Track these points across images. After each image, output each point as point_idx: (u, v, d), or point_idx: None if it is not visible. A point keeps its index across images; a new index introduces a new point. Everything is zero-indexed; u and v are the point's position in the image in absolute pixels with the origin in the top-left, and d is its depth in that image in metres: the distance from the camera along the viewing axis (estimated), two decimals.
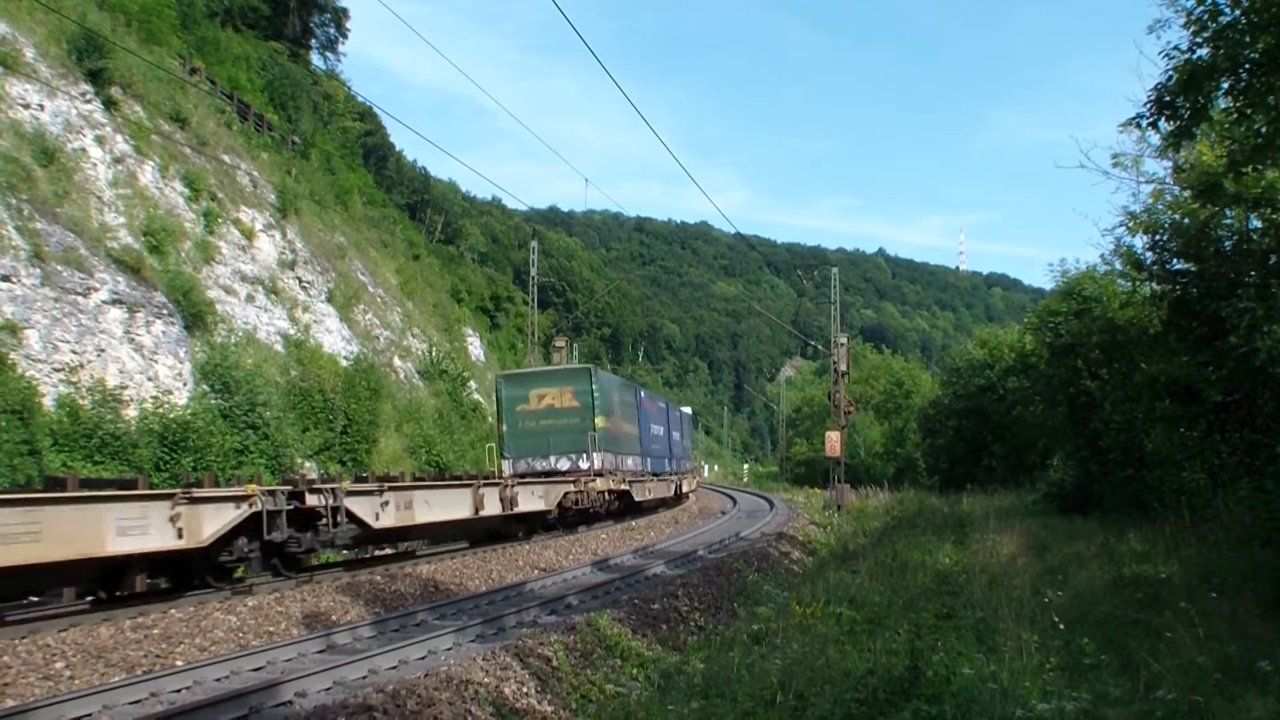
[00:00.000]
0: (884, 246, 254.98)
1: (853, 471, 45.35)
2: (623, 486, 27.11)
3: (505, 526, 21.61)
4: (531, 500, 21.51)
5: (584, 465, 25.01)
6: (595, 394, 25.46)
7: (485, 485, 19.16)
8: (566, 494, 23.22)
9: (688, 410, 51.06)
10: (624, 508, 28.49)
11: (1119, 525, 14.87)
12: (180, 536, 11.68)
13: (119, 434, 19.68)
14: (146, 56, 30.11)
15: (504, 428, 26.20)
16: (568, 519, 23.70)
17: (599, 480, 25.04)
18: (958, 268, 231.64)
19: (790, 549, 21.22)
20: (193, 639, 10.34)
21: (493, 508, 19.30)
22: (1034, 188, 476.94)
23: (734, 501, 40.30)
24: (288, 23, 55.33)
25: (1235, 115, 9.22)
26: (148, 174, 28.55)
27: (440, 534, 20.33)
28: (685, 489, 41.06)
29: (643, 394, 33.73)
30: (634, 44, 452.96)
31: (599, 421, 25.29)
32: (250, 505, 12.87)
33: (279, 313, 32.33)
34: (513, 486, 20.17)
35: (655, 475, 32.84)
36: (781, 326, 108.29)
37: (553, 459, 25.31)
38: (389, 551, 19.52)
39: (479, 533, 21.13)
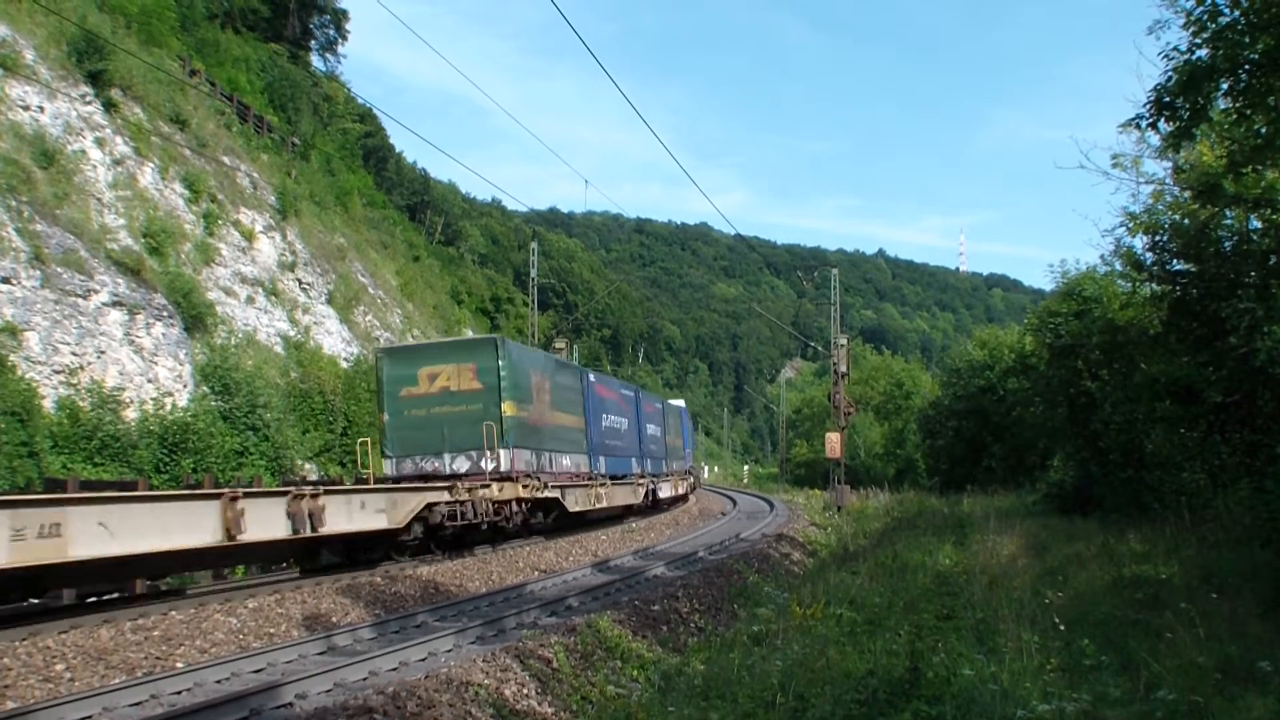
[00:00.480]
0: (884, 247, 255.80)
1: (853, 472, 45.36)
2: (548, 494, 21.22)
3: (312, 555, 15.76)
4: (357, 516, 14.96)
5: (488, 465, 19.27)
6: (503, 372, 19.74)
7: (249, 496, 12.67)
8: (432, 506, 16.96)
9: (679, 404, 46.72)
10: (557, 521, 23.09)
11: (1119, 526, 14.88)
12: None
13: (119, 436, 19.69)
14: (146, 58, 30.14)
15: (385, 417, 20.28)
16: (445, 538, 17.91)
17: (500, 486, 19.09)
18: (958, 268, 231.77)
19: (790, 550, 21.22)
20: (193, 641, 10.34)
21: (267, 529, 12.91)
22: (1034, 188, 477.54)
23: (734, 503, 40.28)
24: (287, 24, 55.35)
25: (1235, 116, 9.23)
26: (148, 176, 28.57)
27: (164, 571, 13.56)
28: (666, 494, 34.85)
29: (592, 377, 27.64)
30: (634, 45, 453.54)
31: (508, 409, 19.70)
32: None
33: (279, 314, 32.35)
34: (315, 497, 13.75)
35: (614, 478, 27.30)
36: (781, 328, 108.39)
37: (447, 458, 19.57)
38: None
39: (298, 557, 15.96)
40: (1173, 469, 15.78)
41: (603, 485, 25.73)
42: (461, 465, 19.49)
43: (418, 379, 20.12)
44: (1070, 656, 7.07)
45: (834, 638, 8.10)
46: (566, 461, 23.61)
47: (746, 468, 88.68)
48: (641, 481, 30.48)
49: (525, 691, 8.49)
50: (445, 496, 17.45)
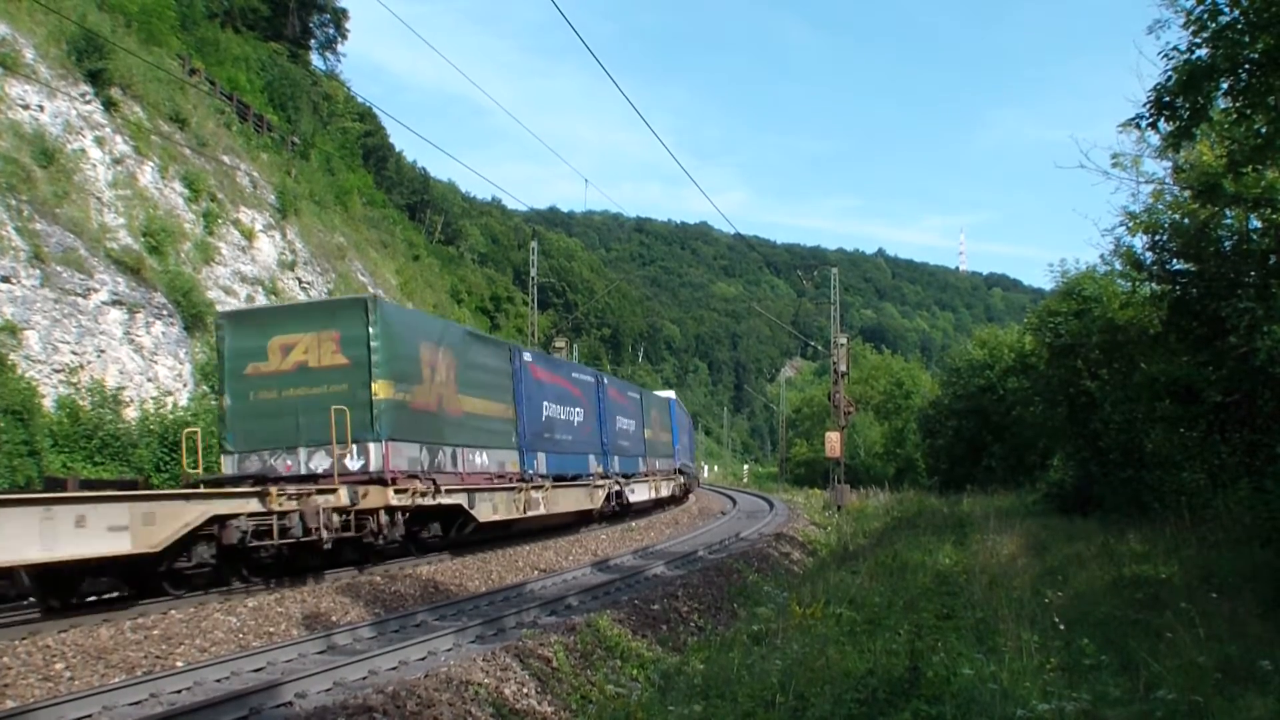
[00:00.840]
0: (884, 247, 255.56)
1: (853, 472, 45.37)
2: (445, 499, 16.81)
3: (65, 587, 11.38)
4: (65, 538, 10.25)
5: (354, 464, 15.20)
6: (375, 342, 15.43)
7: None
8: (226, 520, 12.42)
9: (668, 395, 41.73)
10: (471, 534, 18.87)
11: (1119, 525, 14.88)
12: None
13: (119, 435, 19.70)
14: (146, 57, 30.12)
15: (226, 401, 16.06)
16: (262, 563, 13.57)
17: (361, 490, 14.78)
18: (958, 268, 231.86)
19: (790, 549, 21.22)
20: (193, 640, 10.34)
21: None
22: (1034, 188, 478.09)
23: (734, 502, 40.28)
24: (287, 23, 55.36)
25: (1235, 115, 9.23)
26: (147, 175, 28.56)
27: None
28: (642, 497, 30.32)
29: (527, 356, 22.32)
30: (634, 44, 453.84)
31: (381, 389, 15.37)
32: None
33: None
34: None
35: (560, 479, 22.79)
36: (781, 327, 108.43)
37: (302, 454, 15.42)
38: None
39: None
40: (1173, 469, 15.79)
41: (538, 488, 20.99)
42: (320, 463, 15.24)
43: (267, 352, 15.82)
44: (1070, 656, 7.07)
45: (834, 637, 8.09)
46: (482, 459, 18.91)
47: (746, 467, 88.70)
48: (602, 483, 25.87)
49: (525, 690, 8.49)
50: (252, 506, 12.92)
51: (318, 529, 13.75)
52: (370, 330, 15.50)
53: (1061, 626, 7.91)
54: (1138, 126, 9.20)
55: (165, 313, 24.46)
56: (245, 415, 15.90)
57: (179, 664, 9.40)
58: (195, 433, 15.81)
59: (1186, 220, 14.91)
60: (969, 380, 35.45)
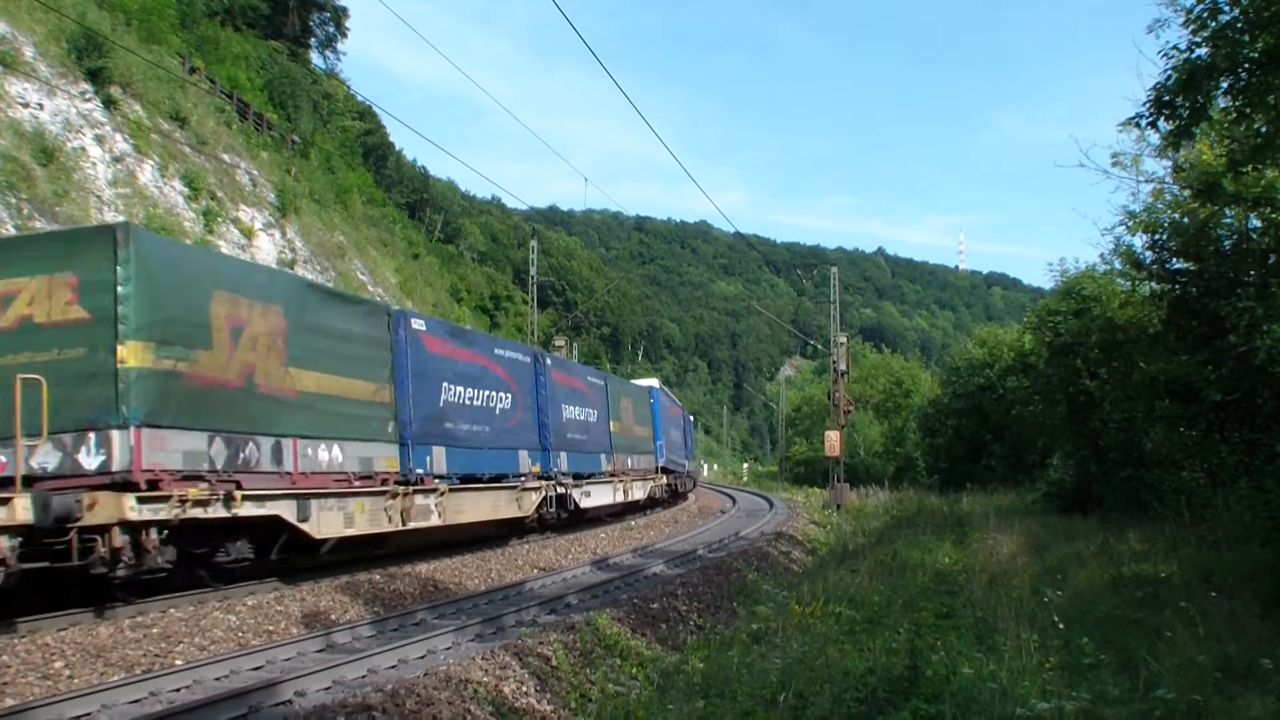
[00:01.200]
0: (884, 246, 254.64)
1: (852, 471, 45.37)
2: (250, 510, 12.34)
3: None
4: None
5: (92, 461, 10.82)
6: (124, 286, 11.06)
7: None
8: None
9: (649, 383, 37.40)
10: (320, 554, 14.74)
11: (1118, 524, 14.91)
12: None
13: None
14: (146, 55, 30.11)
15: None
16: None
17: (87, 500, 10.48)
18: (957, 267, 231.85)
19: (790, 548, 21.23)
20: (192, 638, 10.33)
21: None
22: (1034, 187, 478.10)
23: (733, 501, 40.30)
24: (287, 22, 55.34)
25: (1235, 114, 9.23)
26: (147, 173, 28.55)
27: None
28: (602, 501, 26.20)
29: (419, 325, 17.53)
30: (634, 44, 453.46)
31: (134, 354, 11.01)
32: None
33: None
34: None
35: (471, 481, 18.45)
36: (781, 326, 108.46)
37: (23, 447, 10.78)
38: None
39: None
40: (1172, 468, 15.82)
41: (430, 492, 16.74)
42: (49, 459, 10.92)
43: None
44: (1069, 655, 7.08)
45: (833, 636, 8.09)
46: (331, 454, 14.38)
47: (746, 465, 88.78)
48: (537, 485, 21.35)
49: (524, 689, 8.49)
50: None
51: None
52: (119, 271, 11.05)
53: (1061, 625, 7.91)
54: (1138, 126, 9.20)
55: None
56: None
57: (178, 662, 9.40)
58: None
59: (1186, 219, 14.92)
60: (969, 379, 35.48)
